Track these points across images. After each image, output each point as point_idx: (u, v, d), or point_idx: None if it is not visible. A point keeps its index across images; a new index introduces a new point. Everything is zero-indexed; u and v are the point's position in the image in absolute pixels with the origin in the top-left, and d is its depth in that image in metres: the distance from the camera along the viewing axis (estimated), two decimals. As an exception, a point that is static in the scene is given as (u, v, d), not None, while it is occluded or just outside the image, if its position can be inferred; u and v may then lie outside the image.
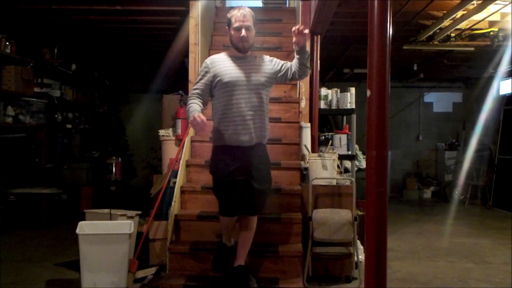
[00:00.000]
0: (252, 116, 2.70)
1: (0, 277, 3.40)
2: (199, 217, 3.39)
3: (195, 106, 2.67)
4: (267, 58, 2.88)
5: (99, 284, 2.96)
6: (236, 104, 2.68)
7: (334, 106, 4.59)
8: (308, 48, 4.45)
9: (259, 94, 2.74)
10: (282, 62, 2.87)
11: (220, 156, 2.76)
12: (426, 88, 8.81)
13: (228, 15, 2.72)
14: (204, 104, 2.77)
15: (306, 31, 2.62)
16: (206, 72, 2.77)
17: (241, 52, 2.76)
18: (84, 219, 3.54)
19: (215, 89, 2.75)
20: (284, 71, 2.84)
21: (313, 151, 4.11)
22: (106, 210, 3.67)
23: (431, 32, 4.94)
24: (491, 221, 6.16)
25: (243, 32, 2.66)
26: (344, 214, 3.45)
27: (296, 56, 2.77)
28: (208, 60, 2.82)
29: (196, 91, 2.77)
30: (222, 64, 2.76)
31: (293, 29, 2.64)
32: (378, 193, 1.57)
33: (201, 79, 2.79)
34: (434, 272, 3.83)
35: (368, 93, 1.59)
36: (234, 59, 2.78)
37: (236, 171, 2.70)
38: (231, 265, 2.91)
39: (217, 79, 2.72)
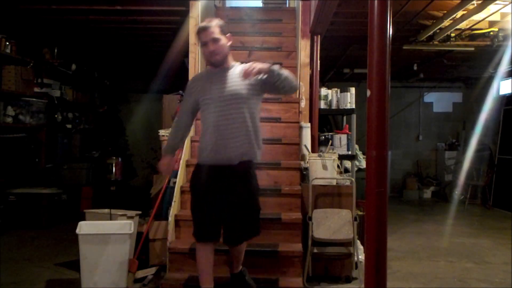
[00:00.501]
0: (232, 133, 2.49)
1: (0, 277, 3.40)
2: (199, 217, 3.38)
3: (169, 142, 2.70)
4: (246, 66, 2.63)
5: (99, 284, 2.96)
6: (214, 122, 2.52)
7: (334, 106, 4.59)
8: (308, 48, 4.50)
9: (240, 108, 2.52)
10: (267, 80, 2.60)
11: (199, 174, 2.61)
12: (426, 88, 8.81)
13: (196, 34, 2.61)
14: (184, 135, 2.74)
15: (256, 69, 2.43)
16: (188, 95, 2.69)
17: (216, 66, 2.62)
18: (84, 219, 3.54)
19: (200, 104, 2.63)
20: (267, 86, 2.62)
21: (313, 151, 4.11)
22: (106, 210, 3.67)
23: (431, 32, 4.94)
24: (491, 221, 6.16)
25: (210, 46, 2.52)
26: (344, 214, 3.45)
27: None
28: (190, 81, 2.76)
29: (177, 120, 2.73)
30: (200, 82, 2.66)
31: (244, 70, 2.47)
32: (378, 193, 1.57)
33: (184, 104, 2.71)
34: (434, 272, 3.83)
35: (368, 93, 1.59)
36: (212, 74, 2.64)
37: (214, 191, 2.54)
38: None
39: (198, 99, 2.61)
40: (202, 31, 2.53)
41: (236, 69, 2.62)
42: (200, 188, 2.59)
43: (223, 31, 2.56)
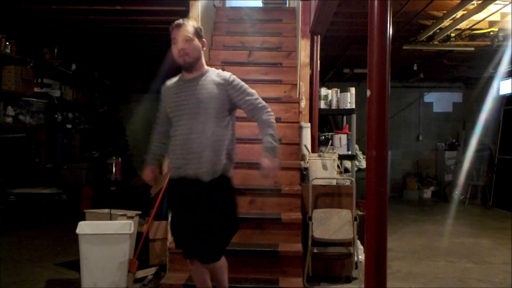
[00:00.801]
0: (199, 147, 2.26)
1: (0, 277, 3.40)
2: (199, 217, 3.38)
3: (151, 151, 2.55)
4: (225, 76, 2.38)
5: (99, 284, 2.96)
6: (180, 135, 2.32)
7: (334, 106, 4.59)
8: (308, 48, 4.50)
9: (208, 122, 2.28)
10: (245, 98, 2.37)
11: (171, 187, 2.48)
12: (426, 88, 8.81)
13: (170, 30, 2.38)
14: (165, 142, 2.52)
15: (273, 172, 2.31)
16: (161, 103, 2.49)
17: (185, 71, 2.37)
18: (84, 219, 3.54)
19: (169, 115, 2.43)
20: (244, 109, 2.40)
21: (313, 151, 4.11)
22: (106, 210, 3.67)
23: (431, 32, 4.94)
24: (491, 221, 6.16)
25: (180, 43, 2.27)
26: (344, 214, 3.45)
27: (263, 139, 2.36)
28: (162, 88, 2.51)
29: (155, 128, 2.57)
30: (170, 91, 2.43)
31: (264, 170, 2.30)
32: (378, 193, 1.57)
33: (159, 111, 2.53)
34: (434, 272, 3.83)
35: (368, 93, 1.59)
36: (182, 82, 2.40)
37: (182, 207, 2.37)
38: None
39: (167, 109, 2.43)
40: (176, 27, 2.31)
41: (209, 76, 2.36)
42: (172, 203, 2.50)
43: (198, 34, 2.34)
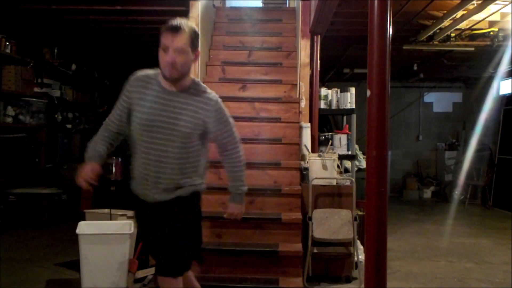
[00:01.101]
0: (166, 169, 2.00)
1: (0, 277, 3.40)
2: (199, 217, 3.38)
3: (93, 148, 2.12)
4: (211, 102, 2.05)
5: (99, 284, 2.95)
6: (143, 151, 2.03)
7: (334, 106, 4.59)
8: (308, 48, 4.50)
9: (176, 142, 1.99)
10: (224, 129, 2.11)
11: (135, 201, 2.16)
12: (426, 88, 8.81)
13: (161, 29, 1.95)
14: (115, 140, 2.19)
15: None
16: (125, 94, 2.09)
17: (168, 81, 1.98)
18: (84, 219, 3.54)
19: (131, 119, 2.07)
20: (215, 139, 2.15)
21: (313, 151, 4.11)
22: (106, 210, 3.67)
23: (431, 32, 4.94)
24: (491, 221, 6.16)
25: (171, 54, 1.90)
26: (344, 214, 3.45)
27: (231, 183, 2.23)
28: (132, 79, 2.09)
29: (109, 119, 2.17)
30: (146, 91, 2.03)
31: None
32: (378, 193, 1.56)
33: (118, 104, 2.13)
34: (434, 272, 3.83)
35: (368, 93, 1.59)
36: (161, 90, 2.02)
37: (144, 221, 2.16)
38: None
39: (134, 110, 2.05)
40: (170, 31, 1.90)
41: (193, 94, 2.03)
42: (136, 216, 2.26)
43: (194, 45, 1.97)
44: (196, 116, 2.01)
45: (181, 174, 2.03)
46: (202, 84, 2.12)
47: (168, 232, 2.04)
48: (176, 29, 1.90)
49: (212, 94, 2.09)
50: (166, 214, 2.04)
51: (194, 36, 1.96)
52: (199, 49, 2.05)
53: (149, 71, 2.09)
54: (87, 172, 2.05)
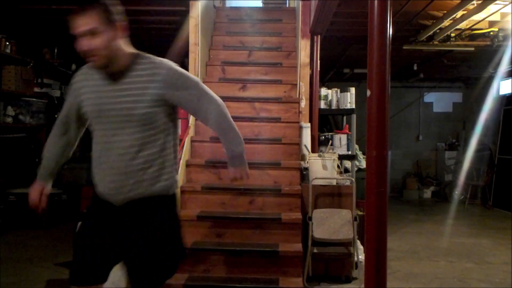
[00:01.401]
0: (125, 164, 1.73)
1: (0, 277, 3.40)
2: (199, 217, 3.39)
3: (43, 164, 1.98)
4: (158, 67, 1.72)
5: (99, 284, 2.95)
6: (98, 148, 1.85)
7: (334, 106, 4.59)
8: (308, 48, 4.51)
9: (132, 133, 1.72)
10: (189, 93, 1.77)
11: (93, 201, 1.97)
12: (426, 88, 8.81)
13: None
14: (67, 145, 2.03)
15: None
16: (70, 91, 1.87)
17: (101, 70, 1.72)
18: (84, 219, 3.53)
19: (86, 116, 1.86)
20: (184, 106, 1.83)
21: (313, 151, 4.11)
22: (106, 210, 3.66)
23: (431, 32, 4.94)
24: (491, 221, 6.16)
25: (81, 42, 1.62)
26: (344, 214, 3.45)
27: (224, 147, 1.94)
28: (73, 80, 1.86)
29: (55, 131, 1.97)
30: (88, 82, 1.78)
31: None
32: (378, 193, 1.57)
33: (64, 109, 1.91)
34: (434, 272, 3.83)
35: (368, 93, 1.59)
36: (103, 77, 1.74)
37: (105, 227, 1.84)
38: None
39: (83, 104, 1.82)
40: (74, 16, 1.61)
41: (138, 69, 1.71)
42: (89, 217, 1.99)
43: (110, 19, 1.62)
44: (148, 92, 1.69)
45: (146, 167, 1.73)
46: (146, 55, 1.76)
47: (136, 242, 1.74)
48: (80, 12, 1.60)
49: (161, 60, 1.75)
50: (133, 220, 1.76)
51: (106, 10, 1.62)
52: (122, 19, 1.68)
53: (84, 68, 1.85)
54: (36, 196, 1.92)
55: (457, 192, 7.61)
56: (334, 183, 3.65)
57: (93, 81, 1.75)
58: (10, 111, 5.15)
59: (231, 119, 1.90)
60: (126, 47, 1.72)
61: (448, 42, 5.28)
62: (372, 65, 1.58)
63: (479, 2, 3.99)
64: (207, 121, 1.86)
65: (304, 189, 3.59)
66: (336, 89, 4.64)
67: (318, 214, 3.45)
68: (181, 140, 4.25)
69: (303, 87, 4.38)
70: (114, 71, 1.70)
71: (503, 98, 7.64)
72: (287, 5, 6.94)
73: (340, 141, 4.50)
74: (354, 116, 4.47)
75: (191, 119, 4.03)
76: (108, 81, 1.72)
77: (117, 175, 1.75)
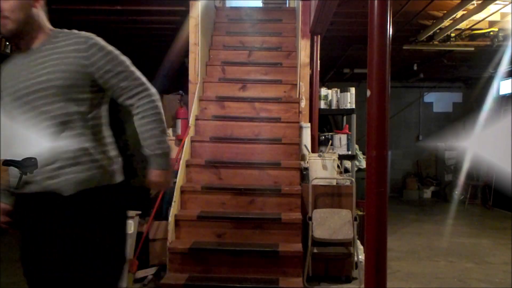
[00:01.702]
0: (32, 150, 1.45)
1: (0, 277, 3.39)
2: (199, 217, 3.39)
3: None
4: (80, 37, 1.52)
5: (99, 284, 2.95)
6: (21, 132, 1.50)
7: (334, 106, 4.60)
8: (308, 48, 4.51)
9: (63, 104, 1.47)
10: (112, 69, 1.56)
11: (17, 200, 1.73)
12: (426, 88, 8.81)
13: None
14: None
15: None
16: None
17: (14, 41, 1.55)
18: (84, 219, 3.52)
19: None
20: (112, 88, 1.65)
21: (313, 151, 4.11)
22: (106, 210, 3.66)
23: (431, 32, 4.94)
24: (491, 221, 6.16)
25: None
26: (344, 214, 3.45)
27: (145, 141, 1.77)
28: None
29: None
30: (6, 66, 1.58)
31: None
32: (378, 193, 1.57)
33: None
34: (434, 272, 3.83)
35: (368, 93, 1.59)
36: (17, 56, 1.55)
37: (22, 229, 1.70)
38: None
39: None
40: None
41: (56, 43, 1.51)
42: (18, 222, 1.79)
43: None
44: (67, 62, 1.47)
45: (62, 153, 1.47)
46: (66, 30, 1.56)
47: (54, 249, 1.51)
48: None
49: (83, 33, 1.54)
50: (53, 221, 1.51)
51: None
52: None
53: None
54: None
55: (457, 192, 7.61)
56: (334, 183, 3.65)
57: (10, 63, 1.56)
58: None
59: (161, 113, 1.70)
60: (44, 20, 1.54)
61: (448, 42, 5.28)
62: (372, 65, 1.58)
63: (479, 2, 3.99)
64: (134, 107, 1.69)
65: (304, 189, 3.59)
66: (336, 89, 4.64)
67: (318, 214, 3.45)
68: (181, 140, 4.25)
69: (303, 87, 4.38)
70: (31, 44, 1.51)
71: (503, 98, 7.63)
72: (287, 5, 6.94)
73: (340, 141, 4.50)
74: (354, 116, 4.47)
75: (191, 119, 4.04)
76: (24, 56, 1.51)
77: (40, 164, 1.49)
